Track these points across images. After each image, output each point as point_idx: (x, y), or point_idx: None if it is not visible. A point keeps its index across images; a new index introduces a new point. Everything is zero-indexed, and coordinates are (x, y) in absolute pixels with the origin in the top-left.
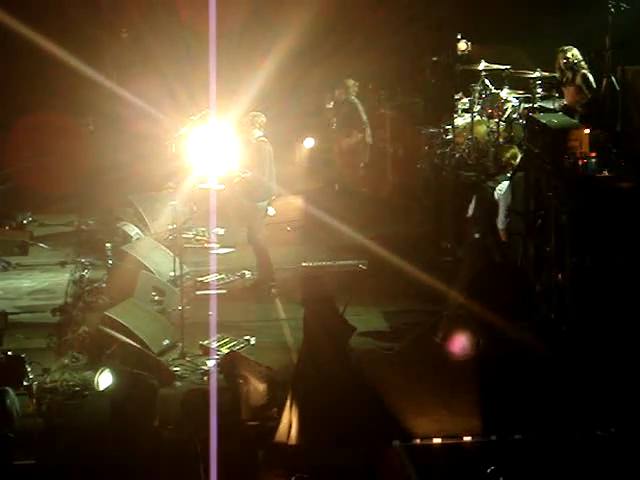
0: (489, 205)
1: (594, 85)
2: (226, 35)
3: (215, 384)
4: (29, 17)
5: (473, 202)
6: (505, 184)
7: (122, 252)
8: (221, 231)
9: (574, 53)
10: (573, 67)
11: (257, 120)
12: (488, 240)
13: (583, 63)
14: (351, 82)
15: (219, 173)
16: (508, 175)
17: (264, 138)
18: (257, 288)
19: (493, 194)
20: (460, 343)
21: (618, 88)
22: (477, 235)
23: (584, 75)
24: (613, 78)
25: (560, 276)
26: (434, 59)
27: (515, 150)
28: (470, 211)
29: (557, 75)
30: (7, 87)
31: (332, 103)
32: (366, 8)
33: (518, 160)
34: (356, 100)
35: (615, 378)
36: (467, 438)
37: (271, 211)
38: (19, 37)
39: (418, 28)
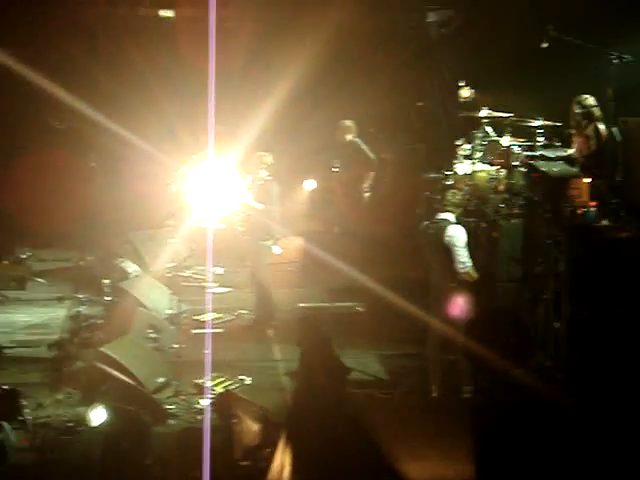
0: (441, 250)
1: (603, 137)
2: (226, 75)
3: (209, 423)
4: (27, 56)
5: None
6: (454, 227)
7: (119, 289)
8: (220, 270)
9: (590, 102)
10: (588, 116)
11: (264, 160)
12: (453, 287)
13: (598, 113)
14: (350, 123)
15: (220, 212)
16: (451, 216)
17: (270, 177)
18: (254, 328)
19: (442, 238)
20: (459, 306)
21: (619, 139)
22: (441, 283)
23: (596, 126)
24: (615, 129)
25: (557, 324)
26: (419, 104)
27: (460, 191)
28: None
29: (571, 123)
30: (6, 127)
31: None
32: (367, 50)
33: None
34: (359, 140)
35: (611, 431)
36: None
37: (277, 250)
38: (19, 77)
39: (417, 72)
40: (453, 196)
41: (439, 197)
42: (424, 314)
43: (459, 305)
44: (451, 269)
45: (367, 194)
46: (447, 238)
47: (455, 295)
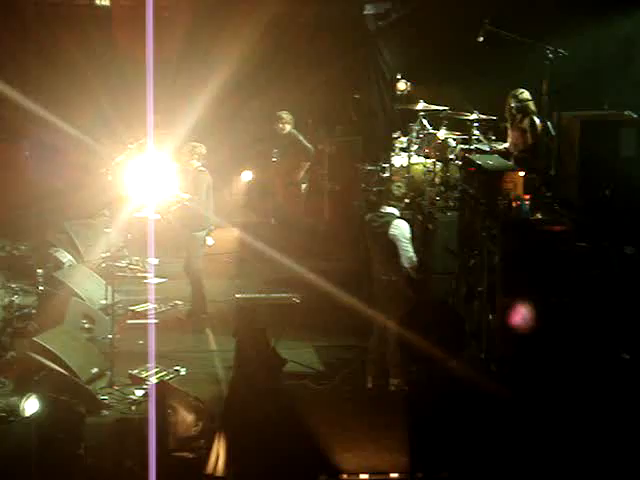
0: (387, 245)
1: (539, 130)
2: (162, 64)
3: (153, 412)
4: None
5: (369, 241)
6: (399, 222)
7: (54, 278)
8: (156, 261)
9: (525, 96)
10: (523, 110)
11: (196, 150)
12: (396, 281)
13: (533, 107)
14: (287, 114)
15: (156, 202)
16: (395, 211)
17: (203, 168)
18: (190, 319)
19: (386, 232)
20: (520, 315)
21: (553, 133)
22: (384, 277)
23: (532, 119)
24: (549, 123)
25: (490, 316)
26: (355, 96)
27: (403, 185)
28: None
29: (506, 116)
30: None
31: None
32: (303, 40)
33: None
34: (295, 131)
35: (544, 420)
36: (394, 474)
37: (210, 241)
38: None
39: (353, 63)
40: (398, 189)
41: (377, 189)
42: (362, 306)
43: (403, 297)
44: (394, 262)
45: (303, 185)
46: (392, 232)
47: (397, 287)
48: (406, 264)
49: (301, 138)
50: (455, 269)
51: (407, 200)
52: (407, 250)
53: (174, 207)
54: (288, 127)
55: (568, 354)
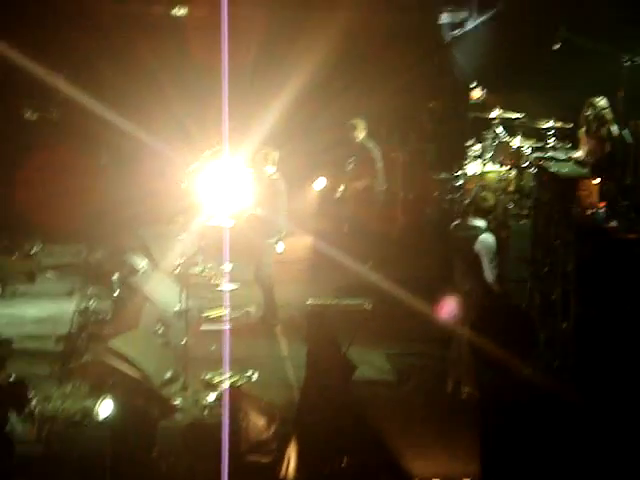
0: (471, 257)
1: (615, 139)
2: (238, 72)
3: (226, 417)
4: (37, 54)
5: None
6: (486, 236)
7: (128, 284)
8: (229, 267)
9: (603, 104)
10: (600, 118)
11: (270, 157)
12: (478, 294)
13: (610, 115)
14: (360, 122)
15: (230, 210)
16: (483, 224)
17: (276, 175)
18: (262, 325)
19: (471, 245)
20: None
21: (630, 141)
22: (465, 287)
23: (609, 128)
24: (626, 131)
25: (565, 325)
26: (430, 105)
27: (492, 197)
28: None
29: (582, 124)
30: (14, 126)
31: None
32: (378, 48)
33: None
34: (371, 145)
35: (619, 429)
36: None
37: (280, 248)
38: (27, 74)
39: (427, 72)
40: (483, 201)
41: (450, 197)
42: (435, 314)
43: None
44: (477, 274)
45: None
46: (479, 246)
47: (477, 298)
48: (489, 278)
49: (376, 154)
50: (528, 277)
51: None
52: (491, 265)
53: (247, 214)
54: (360, 135)
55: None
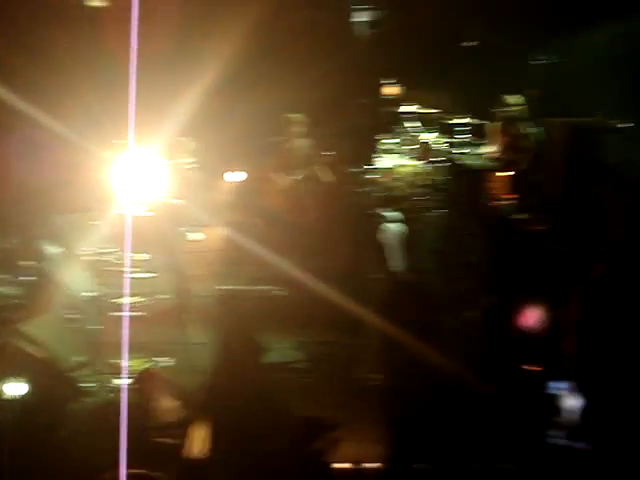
0: (380, 246)
1: (527, 136)
2: (152, 62)
3: (134, 399)
4: None
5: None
6: (394, 225)
7: (40, 270)
8: (145, 256)
9: (516, 101)
10: (514, 115)
11: (185, 146)
12: (387, 283)
13: (524, 113)
14: (296, 117)
15: (145, 199)
16: (391, 214)
17: (191, 165)
18: (174, 313)
19: (379, 235)
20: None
21: (541, 139)
22: (375, 276)
23: (520, 125)
24: (537, 129)
25: (471, 315)
26: (363, 101)
27: (401, 188)
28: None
29: (495, 120)
30: None
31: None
32: (289, 43)
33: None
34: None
35: (517, 417)
36: (370, 465)
37: (194, 236)
38: None
39: (342, 67)
40: (392, 191)
41: (362, 190)
42: (348, 303)
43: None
44: (384, 263)
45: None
46: (386, 235)
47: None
48: (397, 267)
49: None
50: (437, 268)
51: (401, 203)
52: (397, 253)
53: (162, 204)
54: (295, 129)
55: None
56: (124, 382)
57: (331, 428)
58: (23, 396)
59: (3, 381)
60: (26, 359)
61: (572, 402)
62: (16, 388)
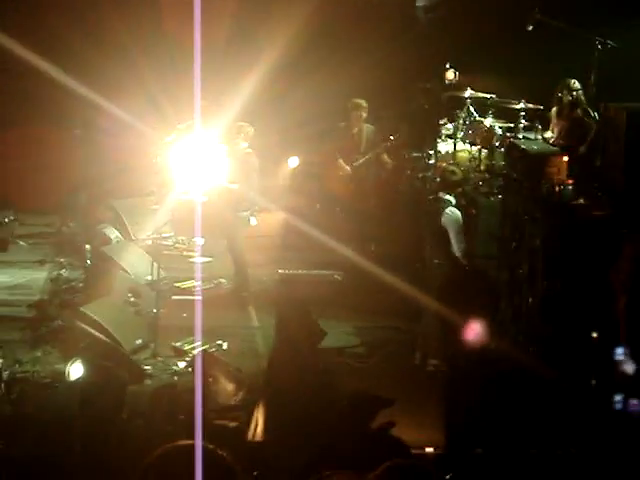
0: (439, 231)
1: (586, 121)
2: (211, 47)
3: (197, 380)
4: (9, 30)
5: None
6: (452, 210)
7: (101, 253)
8: (201, 241)
9: (576, 86)
10: (573, 100)
11: (243, 130)
12: (446, 268)
13: (583, 97)
14: (364, 102)
15: (203, 184)
16: (450, 198)
17: (250, 149)
18: (233, 296)
19: (439, 219)
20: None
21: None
22: (434, 261)
23: (579, 109)
24: (596, 113)
25: (530, 300)
26: (427, 86)
27: (459, 171)
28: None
29: (554, 105)
30: None
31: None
32: (352, 24)
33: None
34: (370, 125)
35: (577, 399)
36: (429, 449)
37: (253, 221)
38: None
39: (404, 51)
40: (451, 175)
41: (422, 175)
42: (407, 288)
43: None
44: (445, 248)
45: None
46: (445, 219)
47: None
48: (456, 252)
49: (370, 125)
50: (496, 253)
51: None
52: (458, 238)
53: (220, 189)
54: (364, 114)
55: (605, 336)
56: (184, 365)
57: (388, 403)
58: (85, 377)
59: (66, 363)
60: (88, 340)
61: (629, 367)
62: (79, 369)
